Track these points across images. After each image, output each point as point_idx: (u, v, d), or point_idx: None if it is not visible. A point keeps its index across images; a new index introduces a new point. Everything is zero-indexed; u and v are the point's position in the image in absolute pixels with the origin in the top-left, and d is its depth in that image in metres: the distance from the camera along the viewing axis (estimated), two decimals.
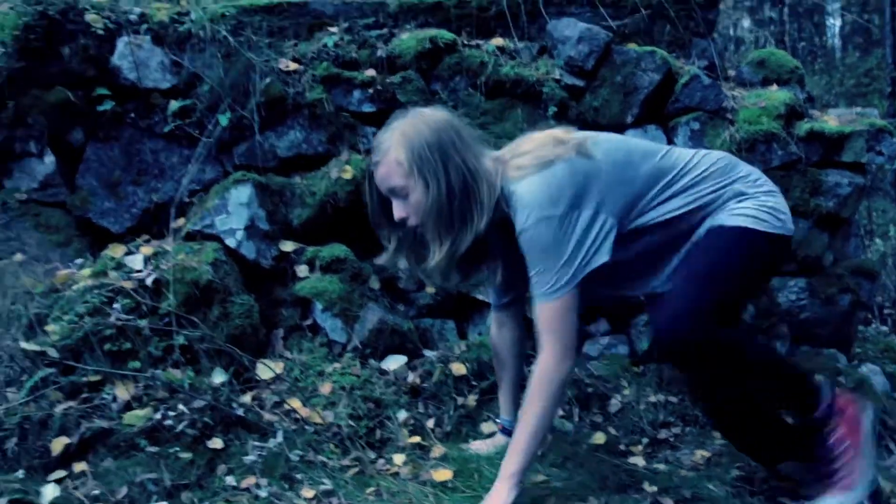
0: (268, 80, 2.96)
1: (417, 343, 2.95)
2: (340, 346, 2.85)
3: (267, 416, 2.56)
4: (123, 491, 2.17)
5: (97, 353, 2.50)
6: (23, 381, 2.45)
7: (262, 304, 2.82)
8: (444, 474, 2.38)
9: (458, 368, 2.80)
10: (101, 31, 2.97)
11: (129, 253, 2.81)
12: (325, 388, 2.67)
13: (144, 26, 3.02)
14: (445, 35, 3.10)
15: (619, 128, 3.11)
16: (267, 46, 3.06)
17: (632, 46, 3.17)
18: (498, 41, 3.18)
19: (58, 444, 2.30)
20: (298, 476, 2.37)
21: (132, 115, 2.98)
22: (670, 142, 3.14)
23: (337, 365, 2.77)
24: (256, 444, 2.44)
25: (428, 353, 2.93)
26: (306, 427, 2.55)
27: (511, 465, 2.05)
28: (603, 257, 2.02)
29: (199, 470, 2.32)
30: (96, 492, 2.14)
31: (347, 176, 2.92)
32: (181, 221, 2.91)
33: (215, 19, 3.05)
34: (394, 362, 2.84)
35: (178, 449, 2.34)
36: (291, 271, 2.91)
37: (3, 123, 2.89)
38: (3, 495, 2.04)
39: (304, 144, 3.03)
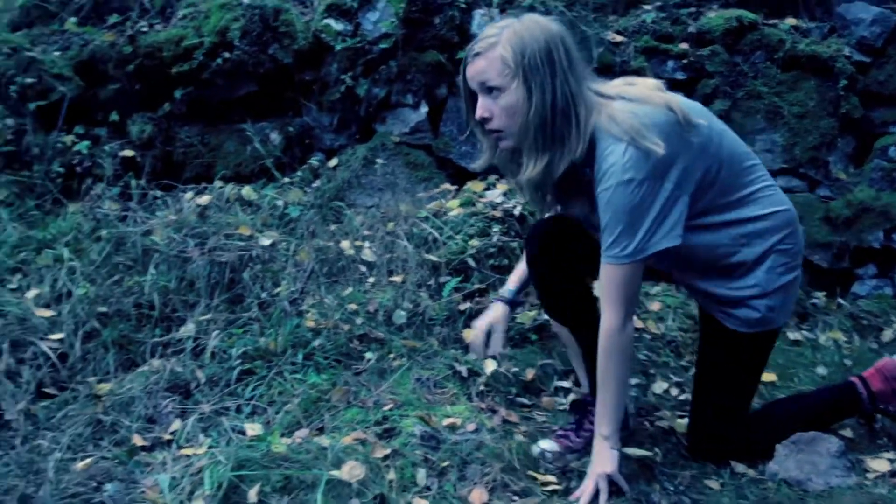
0: (601, 49, 3.55)
1: None
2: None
3: None
4: (532, 372, 2.83)
5: (483, 265, 3.16)
6: (429, 285, 3.15)
7: None
8: (769, 376, 2.96)
9: None
10: (462, 4, 3.61)
11: (487, 188, 3.47)
12: (655, 305, 3.28)
13: (495, 1, 3.64)
14: (749, 15, 3.62)
15: None
16: (594, 20, 3.64)
17: None
18: (791, 21, 3.68)
19: (468, 334, 2.98)
20: (651, 371, 3.00)
21: None
22: None
23: (658, 288, 3.38)
24: None
25: None
26: (645, 335, 3.17)
27: (605, 428, 2.08)
28: (675, 240, 1.95)
29: None
30: (514, 370, 2.81)
31: None
32: None
33: None
34: None
35: (558, 344, 2.99)
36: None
37: (384, 79, 3.57)
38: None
39: None
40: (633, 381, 2.90)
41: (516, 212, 3.27)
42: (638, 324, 3.18)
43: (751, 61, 3.61)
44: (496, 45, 1.91)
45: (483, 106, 1.96)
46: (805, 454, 2.30)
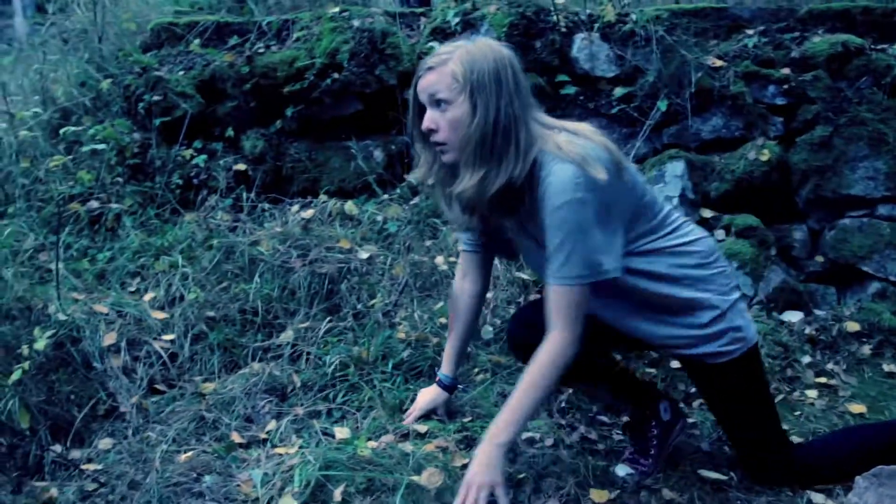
0: (699, 74, 3.57)
1: (808, 303, 3.50)
2: (748, 298, 3.43)
3: None
4: None
5: None
6: (518, 302, 3.23)
7: None
8: (858, 408, 2.92)
9: (852, 326, 3.32)
10: (563, 29, 3.69)
11: None
12: None
13: (596, 25, 3.71)
14: (855, 40, 3.58)
15: None
16: (694, 45, 3.67)
17: None
18: None
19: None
20: None
21: (582, 97, 3.69)
22: None
23: (748, 315, 3.36)
24: None
25: (818, 311, 3.48)
26: None
27: (503, 435, 1.97)
28: (619, 272, 2.01)
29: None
30: None
31: (764, 158, 3.49)
32: None
33: (651, 20, 3.68)
34: (793, 316, 3.40)
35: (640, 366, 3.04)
36: (711, 235, 3.53)
37: None
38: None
39: (723, 129, 3.63)
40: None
41: None
42: None
43: (856, 87, 3.56)
44: (448, 61, 1.99)
45: (430, 118, 2.02)
46: (887, 487, 2.27)
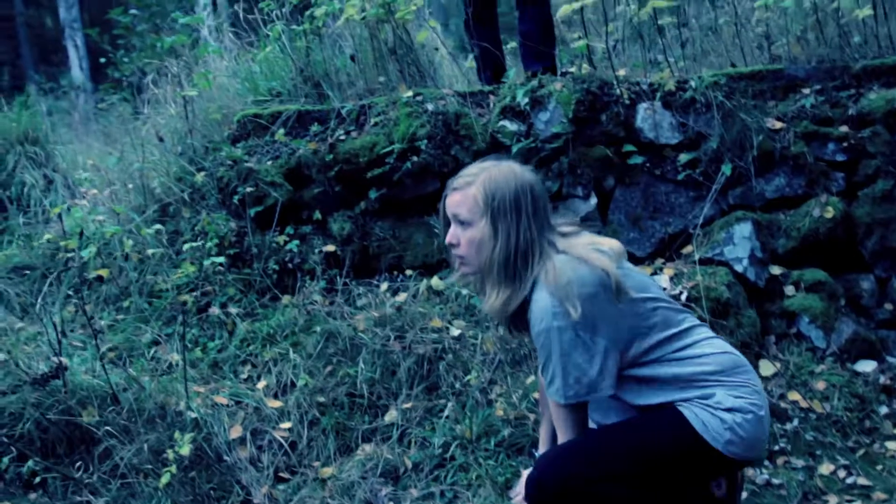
0: (760, 137, 3.75)
1: (880, 350, 3.65)
2: (821, 351, 3.60)
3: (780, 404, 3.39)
4: None
5: None
6: None
7: (757, 316, 3.64)
8: None
9: None
10: (626, 101, 3.90)
11: (654, 273, 3.73)
12: (820, 384, 3.44)
13: (658, 94, 3.91)
14: None
15: None
16: (752, 108, 3.85)
17: None
18: None
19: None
20: (818, 452, 3.17)
21: (648, 164, 3.89)
22: None
23: (822, 367, 3.53)
24: (779, 425, 3.28)
25: (890, 358, 3.63)
26: (811, 415, 3.34)
27: None
28: (608, 390, 2.13)
29: None
30: None
31: (829, 215, 3.66)
32: (689, 248, 3.78)
33: (709, 86, 3.87)
34: (867, 365, 3.56)
35: None
36: (779, 290, 3.70)
37: (556, 174, 3.91)
38: None
39: (786, 188, 3.80)
40: (800, 463, 3.09)
41: (683, 297, 3.52)
42: (803, 403, 3.36)
43: None
44: (472, 185, 2.16)
45: (452, 233, 2.21)
46: None
